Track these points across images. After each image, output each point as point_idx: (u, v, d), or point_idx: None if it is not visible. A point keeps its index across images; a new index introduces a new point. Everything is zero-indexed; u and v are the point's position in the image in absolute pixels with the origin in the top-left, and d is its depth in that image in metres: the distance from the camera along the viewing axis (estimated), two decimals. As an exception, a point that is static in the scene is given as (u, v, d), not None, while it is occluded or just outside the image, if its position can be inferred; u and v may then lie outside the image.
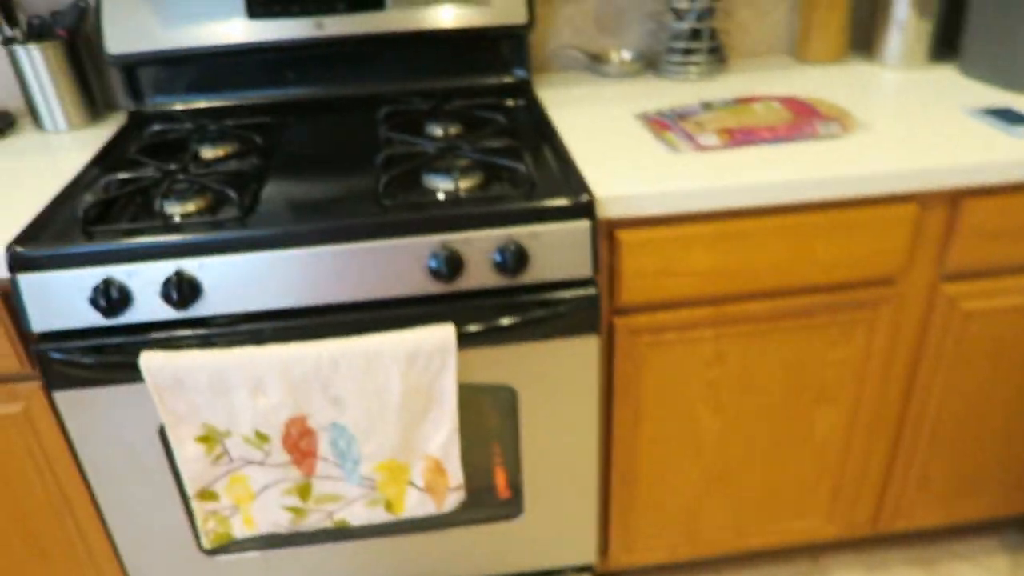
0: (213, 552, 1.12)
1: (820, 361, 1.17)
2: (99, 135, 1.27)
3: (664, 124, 1.16)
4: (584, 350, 1.03)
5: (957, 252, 1.11)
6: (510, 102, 1.30)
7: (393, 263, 0.94)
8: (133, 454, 1.02)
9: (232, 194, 0.95)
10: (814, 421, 1.22)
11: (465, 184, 1.01)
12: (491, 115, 1.17)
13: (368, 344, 0.92)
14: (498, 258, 0.94)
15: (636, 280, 1.06)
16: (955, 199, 1.08)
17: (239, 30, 1.25)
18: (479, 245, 0.95)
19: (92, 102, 1.32)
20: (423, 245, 0.94)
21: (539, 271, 0.97)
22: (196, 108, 1.31)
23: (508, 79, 1.36)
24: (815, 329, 1.14)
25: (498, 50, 1.35)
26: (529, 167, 1.04)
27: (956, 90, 1.27)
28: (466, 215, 0.94)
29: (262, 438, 0.96)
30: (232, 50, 1.25)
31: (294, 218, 0.94)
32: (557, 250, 0.96)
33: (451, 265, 0.94)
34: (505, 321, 0.96)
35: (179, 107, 1.31)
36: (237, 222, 0.94)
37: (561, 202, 0.95)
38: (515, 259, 0.94)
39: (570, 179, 1.00)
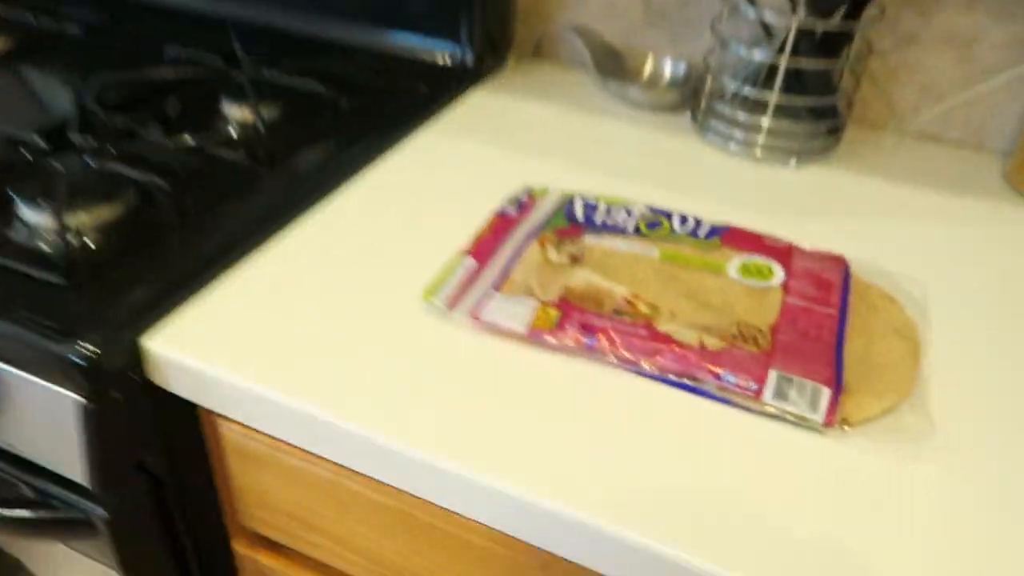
0: None
1: None
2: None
3: (497, 237, 0.57)
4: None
5: None
6: (391, 93, 0.76)
7: None
8: None
9: None
10: None
11: (77, 222, 0.55)
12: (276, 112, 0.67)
13: None
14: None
15: (262, 511, 0.54)
16: None
17: None
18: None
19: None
20: None
21: (14, 436, 0.51)
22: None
23: (433, 57, 0.82)
24: None
25: (436, 6, 0.81)
26: (112, 244, 0.52)
27: None
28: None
29: None
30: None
31: None
32: (35, 419, 0.49)
33: None
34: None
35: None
36: None
37: (33, 340, 0.46)
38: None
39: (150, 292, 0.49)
